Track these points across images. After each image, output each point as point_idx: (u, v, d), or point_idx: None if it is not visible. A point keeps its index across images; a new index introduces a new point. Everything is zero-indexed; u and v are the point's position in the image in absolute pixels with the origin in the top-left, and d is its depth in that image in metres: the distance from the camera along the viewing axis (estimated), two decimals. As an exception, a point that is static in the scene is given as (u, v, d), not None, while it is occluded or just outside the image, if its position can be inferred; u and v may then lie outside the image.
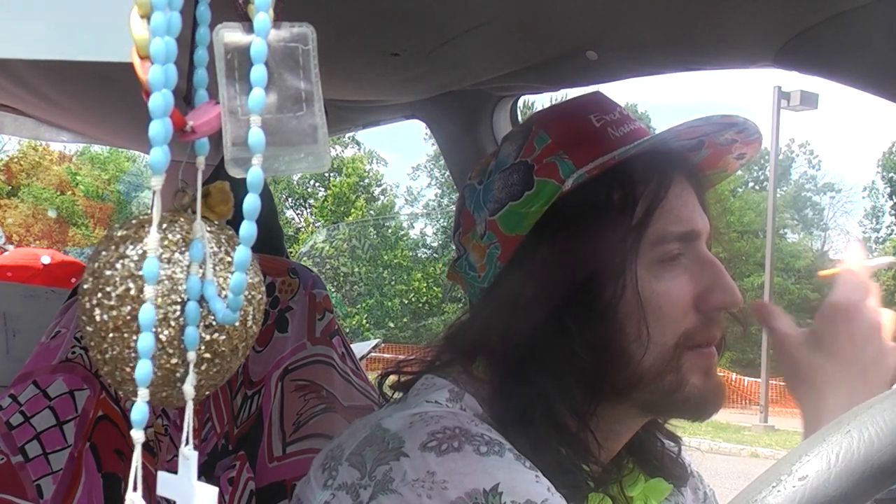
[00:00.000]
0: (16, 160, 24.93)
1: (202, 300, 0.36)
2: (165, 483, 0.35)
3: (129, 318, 0.36)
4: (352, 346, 1.45)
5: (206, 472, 1.29)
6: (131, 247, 0.36)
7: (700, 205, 0.84)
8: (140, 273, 0.36)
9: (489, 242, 0.85)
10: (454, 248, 0.92)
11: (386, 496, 0.69)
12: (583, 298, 0.79)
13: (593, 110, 0.86)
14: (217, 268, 0.37)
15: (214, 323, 0.37)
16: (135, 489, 0.33)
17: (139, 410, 0.33)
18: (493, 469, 0.70)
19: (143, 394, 0.33)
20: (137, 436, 0.33)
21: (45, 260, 1.99)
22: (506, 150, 0.87)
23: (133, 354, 0.36)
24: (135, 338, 0.35)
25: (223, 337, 0.37)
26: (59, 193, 24.88)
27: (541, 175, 0.82)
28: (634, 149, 0.80)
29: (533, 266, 0.81)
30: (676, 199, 0.81)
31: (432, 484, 0.68)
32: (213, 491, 0.34)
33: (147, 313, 0.33)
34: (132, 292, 0.36)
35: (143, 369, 0.33)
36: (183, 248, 0.36)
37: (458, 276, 0.91)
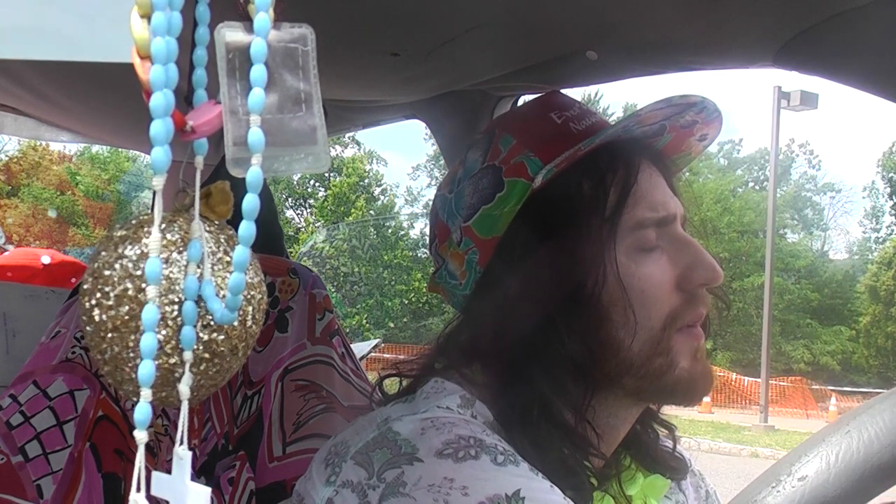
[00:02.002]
0: (16, 160, 24.92)
1: (199, 300, 0.36)
2: (159, 483, 0.35)
3: (127, 317, 0.36)
4: (352, 346, 1.45)
5: (206, 472, 1.29)
6: (130, 247, 0.36)
7: (670, 188, 0.85)
8: (138, 273, 0.36)
9: (466, 248, 0.85)
10: (432, 260, 0.92)
11: (397, 499, 0.69)
12: (566, 291, 0.79)
13: (553, 108, 0.87)
14: (215, 267, 0.37)
15: (212, 323, 0.36)
16: (138, 489, 0.33)
17: (142, 411, 0.33)
18: (512, 476, 0.70)
19: (146, 394, 0.33)
20: (141, 436, 0.33)
21: (45, 260, 1.99)
22: (472, 156, 0.87)
23: (132, 354, 0.36)
24: (133, 337, 0.35)
25: (221, 337, 0.37)
26: (59, 193, 24.88)
27: (510, 175, 0.83)
28: (599, 138, 0.81)
29: (513, 266, 0.82)
30: (647, 185, 0.82)
31: (450, 489, 0.68)
32: (206, 491, 0.34)
33: (150, 314, 0.33)
34: (130, 292, 0.36)
35: (146, 369, 0.33)
36: (181, 248, 0.36)
37: (438, 287, 0.92)
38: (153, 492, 0.34)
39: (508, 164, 0.83)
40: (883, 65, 0.89)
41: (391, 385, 0.91)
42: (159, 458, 1.29)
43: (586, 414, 0.80)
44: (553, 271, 0.80)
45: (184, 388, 0.36)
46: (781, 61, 0.99)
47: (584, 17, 1.07)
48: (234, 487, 1.27)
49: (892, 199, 34.20)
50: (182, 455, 0.35)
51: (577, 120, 0.86)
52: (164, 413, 1.31)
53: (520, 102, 1.56)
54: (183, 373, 0.36)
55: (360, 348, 2.19)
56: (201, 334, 0.36)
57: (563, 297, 0.79)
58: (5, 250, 2.22)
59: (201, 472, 1.29)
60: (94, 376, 1.30)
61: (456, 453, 0.71)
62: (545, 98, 0.90)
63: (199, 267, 0.36)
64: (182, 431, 0.35)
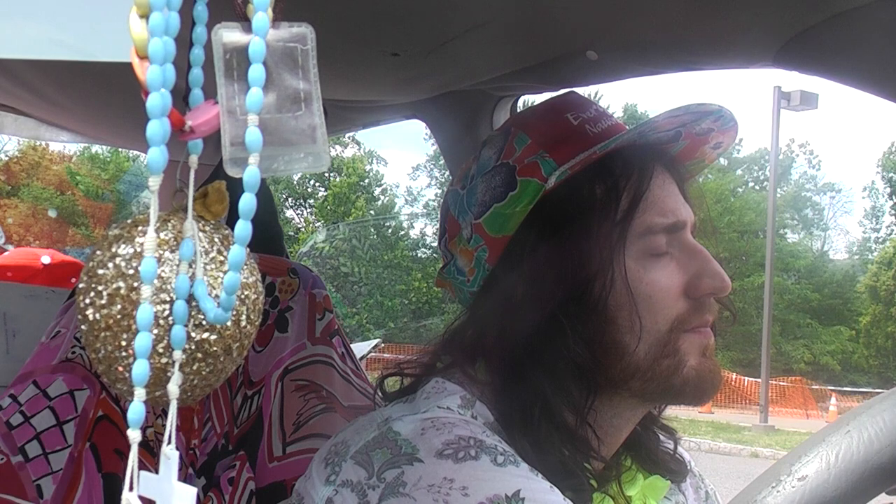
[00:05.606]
0: (16, 160, 24.93)
1: (191, 299, 0.36)
2: (147, 482, 0.35)
3: (119, 316, 0.36)
4: (352, 346, 1.45)
5: (206, 472, 1.29)
6: (123, 246, 0.36)
7: (682, 195, 0.85)
8: (130, 272, 0.36)
9: (476, 245, 0.85)
10: (441, 255, 0.92)
11: (397, 499, 0.69)
12: (573, 294, 0.79)
13: (570, 109, 0.87)
14: (209, 267, 0.36)
15: (205, 322, 0.36)
16: (131, 489, 0.33)
17: (135, 410, 0.33)
18: (512, 477, 0.70)
19: (140, 393, 0.33)
20: (133, 435, 0.33)
21: (45, 260, 1.99)
22: (486, 153, 0.87)
23: (124, 353, 0.35)
24: (125, 336, 0.35)
25: (214, 336, 0.37)
26: (59, 193, 24.87)
27: (523, 175, 0.83)
28: (614, 142, 0.80)
29: (521, 265, 0.82)
30: (659, 191, 0.82)
31: (450, 490, 0.68)
32: (192, 491, 0.34)
33: (144, 313, 0.33)
34: (122, 291, 0.36)
35: (140, 369, 0.33)
36: (174, 247, 0.36)
37: (446, 282, 0.92)
38: (140, 491, 0.34)
39: (522, 163, 0.83)
40: (883, 65, 0.89)
41: (392, 384, 0.90)
42: (159, 459, 1.29)
43: (588, 416, 0.80)
44: (561, 273, 0.80)
45: (172, 388, 0.35)
46: (781, 61, 0.99)
47: (584, 17, 1.07)
48: (234, 487, 1.27)
49: (892, 199, 34.21)
50: (169, 455, 0.35)
51: (593, 122, 0.85)
52: (164, 413, 1.31)
53: (520, 102, 1.56)
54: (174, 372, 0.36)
55: (360, 348, 2.19)
56: (193, 334, 0.36)
57: (570, 299, 0.79)
58: (5, 250, 2.22)
59: (201, 472, 1.29)
60: (93, 376, 1.30)
61: (456, 454, 0.71)
62: (562, 98, 0.90)
63: (191, 266, 0.36)
64: (170, 431, 0.35)
